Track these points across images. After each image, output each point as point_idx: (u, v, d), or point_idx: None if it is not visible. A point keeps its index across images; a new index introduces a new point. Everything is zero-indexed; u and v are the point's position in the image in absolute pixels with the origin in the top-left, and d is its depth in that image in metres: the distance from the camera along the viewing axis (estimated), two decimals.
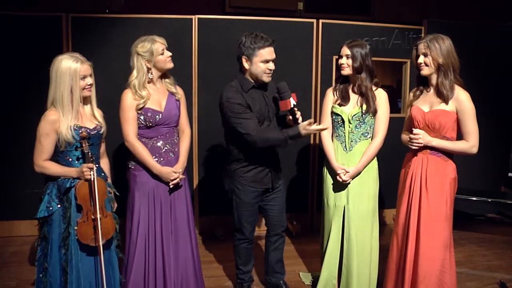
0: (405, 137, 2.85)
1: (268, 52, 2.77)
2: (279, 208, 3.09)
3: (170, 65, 2.78)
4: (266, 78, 2.83)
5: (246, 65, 2.80)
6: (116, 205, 2.76)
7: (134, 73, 2.71)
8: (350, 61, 2.86)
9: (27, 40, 3.94)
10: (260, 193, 3.00)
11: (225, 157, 3.03)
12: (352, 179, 2.92)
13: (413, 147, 2.72)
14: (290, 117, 2.85)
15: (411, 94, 2.87)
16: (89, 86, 2.51)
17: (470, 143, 2.63)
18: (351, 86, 2.95)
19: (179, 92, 2.91)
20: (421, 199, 2.70)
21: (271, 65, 2.80)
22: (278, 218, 3.10)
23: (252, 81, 2.86)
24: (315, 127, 2.66)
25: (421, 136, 2.67)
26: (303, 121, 2.72)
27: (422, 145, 2.68)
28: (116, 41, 3.97)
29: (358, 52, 2.84)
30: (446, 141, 2.66)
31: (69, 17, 3.98)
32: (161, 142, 2.80)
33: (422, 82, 2.78)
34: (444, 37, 2.66)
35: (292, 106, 2.74)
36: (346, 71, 2.89)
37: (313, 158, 4.52)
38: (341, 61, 2.90)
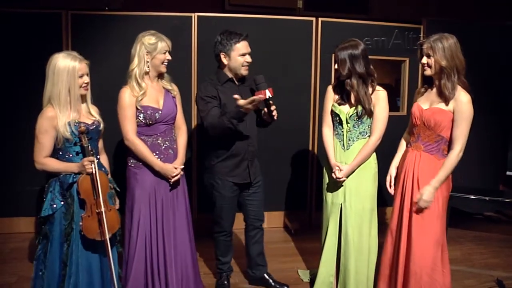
0: (405, 136, 2.90)
1: (243, 46, 2.92)
2: (258, 203, 3.19)
3: (164, 69, 2.81)
4: (244, 71, 2.97)
5: (225, 61, 2.95)
6: (118, 201, 2.77)
7: (135, 61, 2.72)
8: (338, 66, 2.85)
9: (26, 37, 3.95)
10: (239, 187, 3.08)
11: (205, 152, 3.15)
12: (347, 177, 2.93)
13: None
14: (266, 109, 2.91)
15: (417, 91, 2.85)
16: (86, 85, 2.53)
17: (456, 149, 2.58)
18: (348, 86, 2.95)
19: (175, 89, 2.93)
20: (412, 196, 2.70)
21: (248, 58, 2.95)
22: (257, 213, 3.20)
23: (230, 75, 2.98)
24: (248, 100, 2.69)
25: (424, 198, 2.62)
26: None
27: (427, 204, 2.64)
28: (115, 38, 3.98)
29: (345, 55, 2.80)
30: (440, 173, 2.61)
31: (69, 14, 3.98)
32: (160, 139, 2.81)
33: (428, 81, 2.74)
34: (449, 37, 2.58)
35: (267, 97, 2.80)
36: (341, 76, 2.87)
37: (312, 156, 4.53)
38: (335, 66, 2.89)
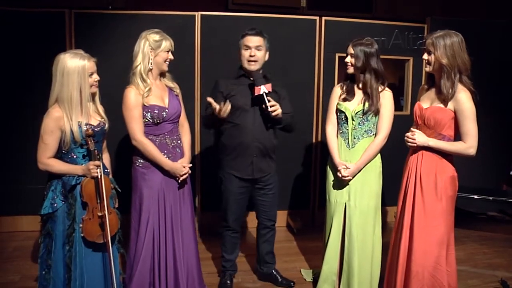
0: None
1: (247, 39, 2.98)
2: (269, 204, 3.20)
3: (166, 68, 2.82)
4: (247, 65, 3.00)
5: (239, 55, 3.04)
6: (117, 201, 2.77)
7: (139, 58, 2.71)
8: (353, 60, 2.87)
9: (30, 36, 3.95)
10: (246, 183, 3.09)
11: (216, 147, 3.20)
12: (353, 176, 2.92)
13: (409, 146, 2.71)
14: (264, 105, 2.95)
15: (420, 89, 2.84)
16: (96, 83, 2.51)
17: (467, 144, 2.54)
18: (356, 84, 2.96)
19: (177, 87, 2.94)
20: (415, 195, 2.68)
21: (253, 52, 2.96)
22: (267, 213, 3.22)
23: (243, 71, 3.05)
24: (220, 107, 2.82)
25: (416, 136, 2.64)
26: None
27: (417, 145, 2.64)
28: (119, 37, 3.98)
29: (362, 51, 2.83)
30: (443, 142, 2.61)
31: (72, 13, 3.98)
32: (168, 138, 2.81)
33: (431, 77, 2.71)
34: (453, 35, 2.53)
35: (261, 93, 2.86)
36: (350, 70, 2.91)
37: (315, 155, 4.53)
38: (346, 59, 2.91)
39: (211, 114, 2.88)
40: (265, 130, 3.05)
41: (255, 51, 2.96)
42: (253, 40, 2.96)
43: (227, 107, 2.82)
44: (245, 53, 2.98)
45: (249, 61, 2.98)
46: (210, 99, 2.86)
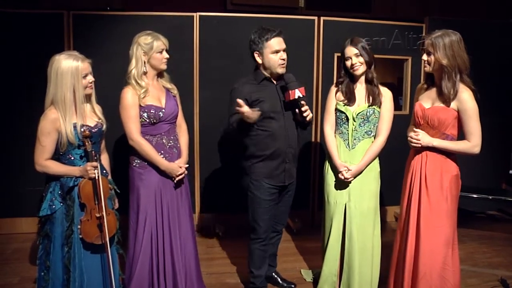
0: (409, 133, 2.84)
1: (276, 42, 2.80)
2: (285, 208, 3.16)
3: (164, 66, 2.80)
4: (280, 69, 2.85)
5: (259, 60, 2.85)
6: (116, 200, 2.77)
7: (133, 62, 2.72)
8: (361, 58, 2.82)
9: (28, 37, 3.95)
10: (276, 190, 2.97)
11: (242, 154, 2.98)
12: (354, 177, 2.92)
13: (413, 147, 2.69)
14: (297, 110, 2.83)
15: (418, 87, 2.82)
16: (90, 84, 2.51)
17: (472, 143, 2.54)
18: (356, 84, 2.93)
19: (174, 88, 2.93)
20: (421, 195, 2.67)
21: (283, 55, 2.83)
22: (280, 218, 3.16)
23: (266, 74, 2.88)
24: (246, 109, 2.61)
25: (421, 137, 2.63)
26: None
27: (421, 145, 2.63)
28: (117, 38, 3.97)
29: (363, 47, 2.82)
30: (447, 141, 2.60)
31: (71, 15, 3.98)
32: (165, 138, 2.81)
33: (430, 77, 2.70)
34: (452, 34, 2.51)
35: (296, 97, 2.75)
36: (361, 69, 2.85)
37: (315, 154, 4.52)
38: (352, 61, 2.83)
39: (239, 121, 2.69)
40: (296, 134, 2.95)
41: (284, 53, 2.83)
42: (281, 43, 2.81)
43: (256, 113, 2.64)
44: (275, 57, 2.80)
45: (280, 64, 2.83)
46: (240, 101, 2.61)
